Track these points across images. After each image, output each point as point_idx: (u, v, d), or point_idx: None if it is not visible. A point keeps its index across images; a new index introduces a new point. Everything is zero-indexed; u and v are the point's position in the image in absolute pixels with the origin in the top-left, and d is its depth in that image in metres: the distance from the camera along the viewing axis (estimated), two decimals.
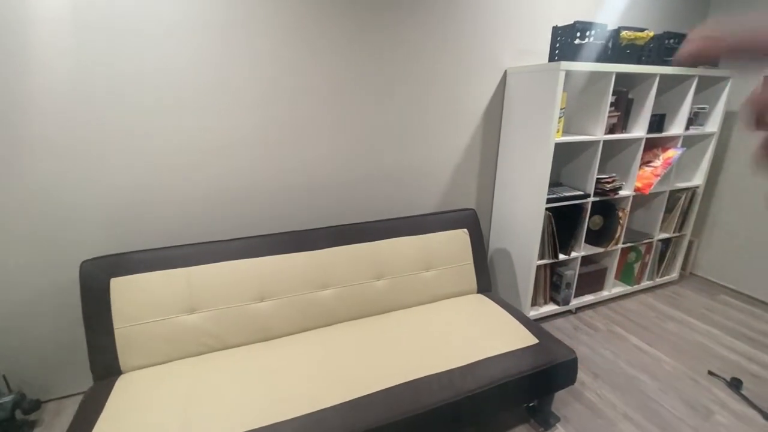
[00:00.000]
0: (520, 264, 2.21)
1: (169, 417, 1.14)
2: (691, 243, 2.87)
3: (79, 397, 1.74)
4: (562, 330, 2.26)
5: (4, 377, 1.58)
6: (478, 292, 1.93)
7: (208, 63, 1.56)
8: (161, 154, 1.60)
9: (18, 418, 1.58)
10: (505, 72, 2.11)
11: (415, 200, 2.16)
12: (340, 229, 1.76)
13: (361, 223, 1.81)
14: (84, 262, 1.41)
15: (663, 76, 2.18)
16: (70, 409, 1.69)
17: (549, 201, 2.02)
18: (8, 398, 1.50)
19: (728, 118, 2.63)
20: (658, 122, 2.26)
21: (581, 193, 2.15)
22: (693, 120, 2.43)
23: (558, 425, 1.59)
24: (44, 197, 1.49)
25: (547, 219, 2.08)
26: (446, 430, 1.29)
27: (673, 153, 2.27)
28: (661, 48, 2.08)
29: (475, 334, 1.54)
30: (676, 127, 2.34)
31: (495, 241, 2.40)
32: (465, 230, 1.94)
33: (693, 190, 2.56)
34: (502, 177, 2.27)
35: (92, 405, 1.21)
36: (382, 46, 1.82)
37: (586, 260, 2.53)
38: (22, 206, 1.47)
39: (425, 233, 1.87)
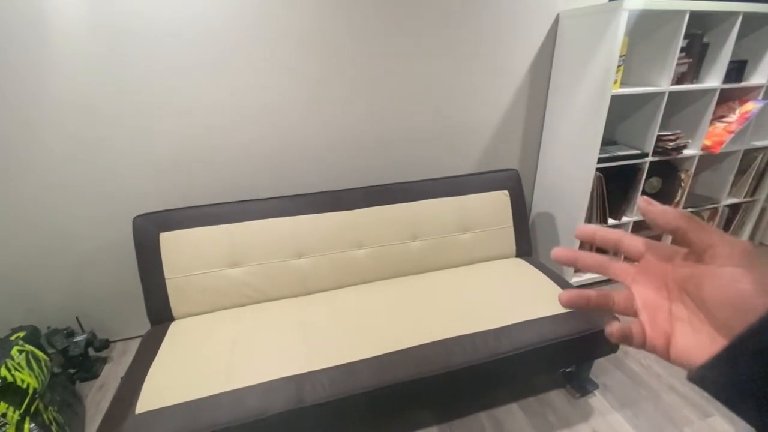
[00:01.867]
0: (565, 228, 2.09)
1: (216, 360, 1.23)
2: (764, 209, 2.58)
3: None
4: None
5: (77, 319, 1.77)
6: (517, 257, 1.86)
7: (244, 21, 1.54)
8: (199, 113, 1.63)
9: (91, 355, 1.78)
10: (558, 16, 1.91)
11: (454, 160, 2.08)
12: (376, 189, 1.74)
13: (398, 183, 1.78)
14: (136, 217, 1.50)
15: (747, 15, 1.87)
16: (134, 348, 1.88)
17: (600, 161, 1.87)
18: (81, 337, 1.69)
19: None
20: (737, 70, 1.97)
21: (638, 152, 1.96)
22: None
23: (596, 392, 1.55)
24: (99, 156, 1.59)
25: (597, 181, 1.93)
26: (478, 389, 1.30)
27: (752, 106, 1.99)
28: None
29: (511, 297, 1.50)
30: (759, 76, 2.03)
31: (538, 204, 2.28)
32: (506, 192, 1.86)
33: None
34: (549, 135, 2.11)
35: (149, 347, 1.33)
36: None
37: (638, 226, 2.35)
38: (79, 165, 1.58)
39: (463, 194, 1.81)
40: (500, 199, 1.85)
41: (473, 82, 1.93)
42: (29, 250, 1.65)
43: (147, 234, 1.49)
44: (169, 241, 1.50)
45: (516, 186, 1.88)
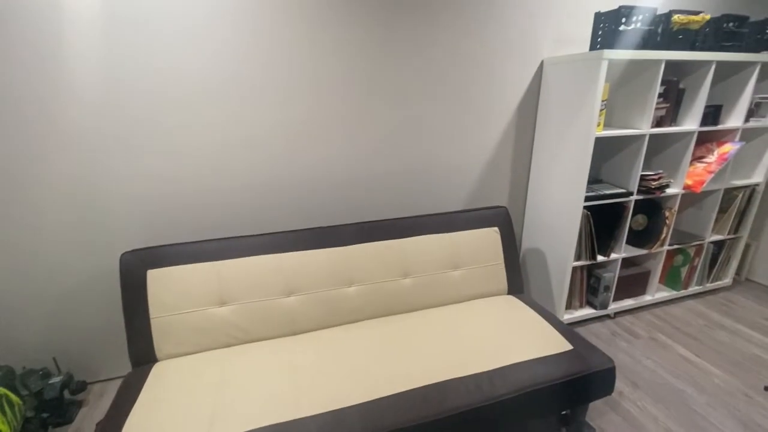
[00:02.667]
0: (555, 265, 2.11)
1: (199, 406, 1.18)
2: (747, 246, 2.64)
3: (121, 381, 1.84)
4: (598, 335, 2.14)
5: (54, 359, 1.70)
6: (508, 294, 1.86)
7: (233, 56, 1.59)
8: (189, 148, 1.65)
9: (66, 398, 1.69)
10: (542, 62, 2.01)
11: (444, 197, 2.11)
12: (367, 226, 1.74)
13: (388, 219, 1.79)
14: (124, 254, 1.48)
15: (720, 64, 1.99)
16: (113, 391, 1.79)
17: (587, 199, 1.91)
18: (57, 379, 1.61)
19: None
20: (713, 114, 2.07)
21: (623, 191, 2.02)
22: (754, 111, 2.22)
23: None
24: (85, 191, 1.58)
25: (584, 218, 1.97)
26: None
27: (729, 148, 2.08)
28: (719, 32, 1.90)
29: (504, 337, 1.48)
30: (734, 120, 2.14)
31: (528, 241, 2.30)
32: (496, 228, 1.88)
33: (752, 188, 2.34)
34: (536, 174, 2.17)
35: (129, 391, 1.27)
36: (409, 36, 1.77)
37: (627, 262, 2.38)
38: (66, 199, 1.57)
39: (454, 231, 1.82)
40: (491, 236, 1.86)
41: (462, 123, 1.99)
42: (6, 284, 1.59)
43: (134, 271, 1.46)
44: (156, 278, 1.47)
45: (506, 223, 1.90)
